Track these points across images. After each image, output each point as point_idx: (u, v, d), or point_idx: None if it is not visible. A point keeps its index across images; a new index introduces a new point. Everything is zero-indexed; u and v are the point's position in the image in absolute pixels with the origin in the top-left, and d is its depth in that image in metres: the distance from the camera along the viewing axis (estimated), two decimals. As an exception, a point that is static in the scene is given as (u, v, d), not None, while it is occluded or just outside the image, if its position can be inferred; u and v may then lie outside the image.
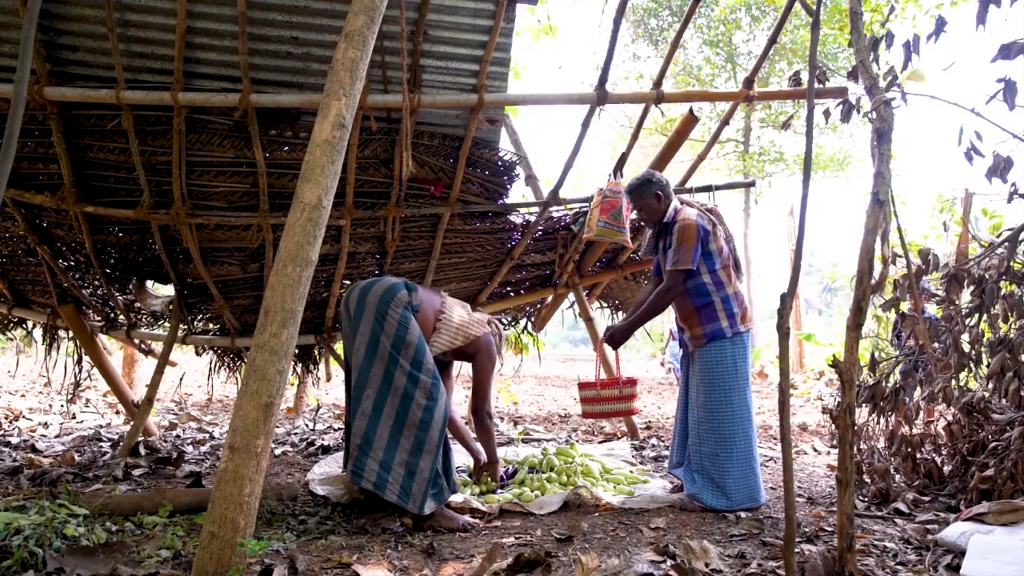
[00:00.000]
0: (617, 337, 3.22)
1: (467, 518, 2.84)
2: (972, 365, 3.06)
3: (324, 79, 2.69)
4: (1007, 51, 2.30)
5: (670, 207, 3.19)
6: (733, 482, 2.95)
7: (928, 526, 2.63)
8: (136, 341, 5.05)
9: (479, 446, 3.44)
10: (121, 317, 4.84)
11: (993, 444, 2.98)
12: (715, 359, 3.06)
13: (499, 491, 3.35)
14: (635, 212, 3.47)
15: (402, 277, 3.10)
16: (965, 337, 3.10)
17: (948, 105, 2.31)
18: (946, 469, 3.31)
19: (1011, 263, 2.92)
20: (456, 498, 3.02)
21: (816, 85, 2.15)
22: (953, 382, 3.19)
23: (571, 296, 5.30)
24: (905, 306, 3.30)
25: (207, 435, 5.28)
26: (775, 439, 5.44)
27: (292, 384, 6.62)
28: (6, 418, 5.89)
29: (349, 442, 2.90)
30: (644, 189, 3.20)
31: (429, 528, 2.72)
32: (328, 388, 8.62)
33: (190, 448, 4.66)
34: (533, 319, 5.74)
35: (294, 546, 2.42)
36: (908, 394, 3.36)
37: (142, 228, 4.00)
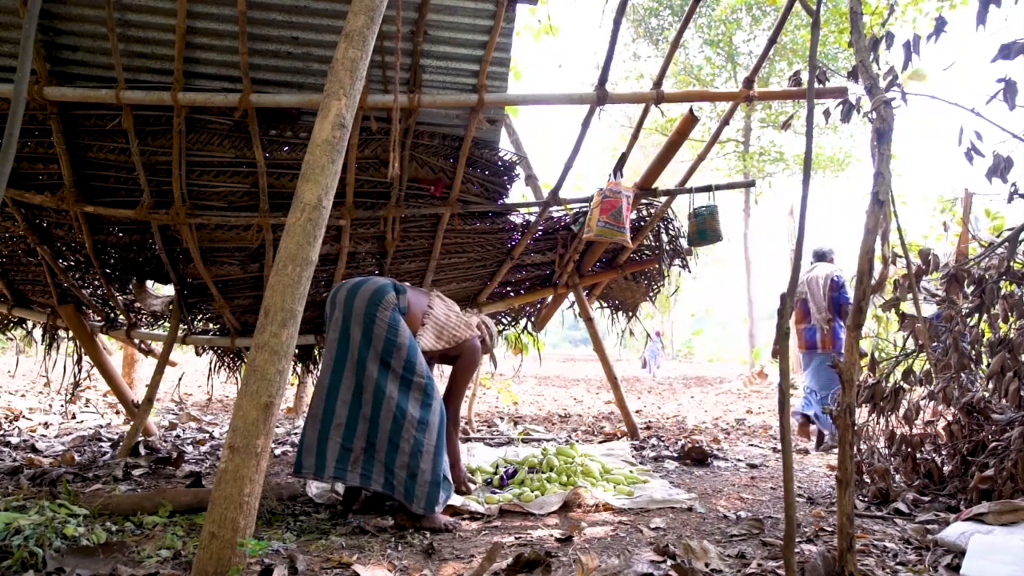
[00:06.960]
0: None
1: (448, 518, 2.81)
2: (972, 365, 3.06)
3: (324, 79, 2.69)
4: (1007, 51, 2.30)
5: None
6: None
7: (928, 526, 2.63)
8: (136, 341, 5.05)
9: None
10: (121, 317, 4.84)
11: (993, 444, 2.98)
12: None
13: (499, 491, 3.35)
14: None
15: (391, 278, 3.07)
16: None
17: (948, 105, 2.31)
18: (946, 469, 3.31)
19: (1011, 263, 2.92)
20: (455, 499, 3.01)
21: (816, 85, 2.15)
22: (953, 382, 3.19)
23: (571, 296, 5.31)
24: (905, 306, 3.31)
25: (207, 435, 5.28)
26: (775, 439, 5.44)
27: (292, 384, 6.62)
28: (6, 418, 5.89)
29: (309, 436, 2.77)
30: None
31: (411, 527, 2.70)
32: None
33: (190, 448, 4.66)
34: (533, 319, 5.74)
35: (294, 546, 2.42)
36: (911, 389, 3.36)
37: (142, 228, 4.00)
